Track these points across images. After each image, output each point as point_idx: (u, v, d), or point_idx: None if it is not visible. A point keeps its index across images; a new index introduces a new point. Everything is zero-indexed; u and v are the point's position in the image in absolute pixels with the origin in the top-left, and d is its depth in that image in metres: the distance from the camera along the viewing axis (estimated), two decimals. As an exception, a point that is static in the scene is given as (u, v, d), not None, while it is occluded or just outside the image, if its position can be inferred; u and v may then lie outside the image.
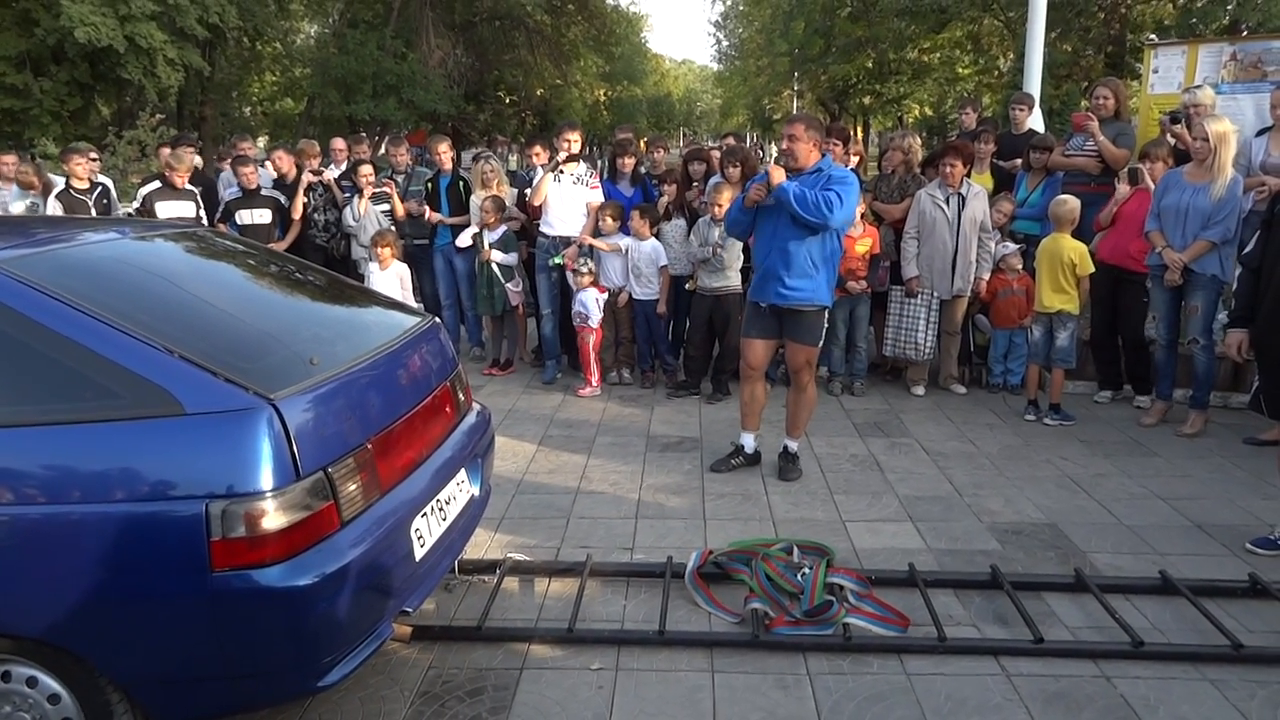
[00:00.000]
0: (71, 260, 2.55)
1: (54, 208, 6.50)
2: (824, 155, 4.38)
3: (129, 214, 6.46)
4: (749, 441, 4.76)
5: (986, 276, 5.96)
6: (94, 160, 7.29)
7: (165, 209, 6.49)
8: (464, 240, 6.58)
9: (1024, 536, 3.95)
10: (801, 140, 4.27)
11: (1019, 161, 6.60)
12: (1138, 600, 3.35)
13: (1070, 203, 5.48)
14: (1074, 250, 5.40)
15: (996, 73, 23.78)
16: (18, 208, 6.54)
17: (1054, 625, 3.19)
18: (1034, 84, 8.00)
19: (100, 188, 6.89)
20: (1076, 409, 5.62)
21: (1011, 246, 6.09)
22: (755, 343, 4.57)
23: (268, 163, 7.49)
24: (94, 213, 6.58)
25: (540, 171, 6.28)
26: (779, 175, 4.19)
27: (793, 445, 4.70)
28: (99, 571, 2.11)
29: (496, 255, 6.41)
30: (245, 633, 2.16)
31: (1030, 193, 6.32)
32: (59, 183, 6.72)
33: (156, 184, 6.67)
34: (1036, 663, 2.97)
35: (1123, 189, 5.63)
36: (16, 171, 6.72)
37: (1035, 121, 7.29)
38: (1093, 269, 5.47)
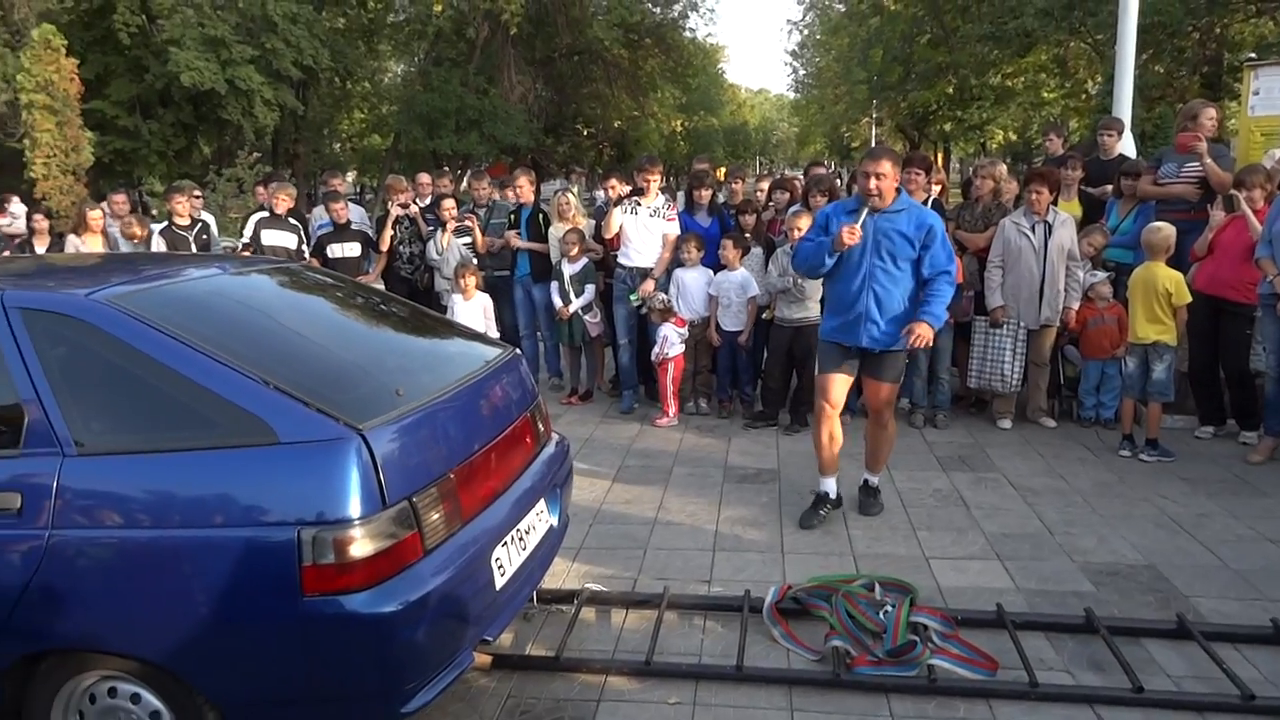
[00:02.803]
0: (176, 295, 2.68)
1: (158, 244, 6.89)
2: (899, 188, 4.25)
3: (244, 243, 6.92)
4: (831, 486, 4.50)
5: (1075, 306, 5.76)
6: (197, 198, 7.69)
7: (270, 237, 6.88)
8: (573, 308, 6.55)
9: (1120, 578, 3.78)
10: (889, 178, 4.10)
11: (1109, 188, 6.40)
12: (1247, 650, 3.17)
13: (1165, 230, 5.28)
14: (1169, 279, 5.19)
15: (1084, 95, 23.17)
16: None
17: (1154, 674, 3.03)
18: (1124, 108, 7.77)
19: (200, 224, 7.27)
20: (1176, 445, 5.36)
21: (1100, 274, 5.89)
22: (836, 377, 4.35)
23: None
24: (194, 248, 6.95)
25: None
26: (926, 332, 4.03)
27: (874, 479, 4.60)
28: (198, 593, 2.19)
29: (575, 305, 6.51)
30: (332, 657, 2.22)
31: (1122, 220, 6.11)
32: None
33: (265, 213, 7.07)
34: (1135, 713, 2.83)
35: (1218, 215, 5.40)
36: (122, 224, 7.17)
37: (1126, 146, 7.06)
38: (1189, 298, 5.24)
